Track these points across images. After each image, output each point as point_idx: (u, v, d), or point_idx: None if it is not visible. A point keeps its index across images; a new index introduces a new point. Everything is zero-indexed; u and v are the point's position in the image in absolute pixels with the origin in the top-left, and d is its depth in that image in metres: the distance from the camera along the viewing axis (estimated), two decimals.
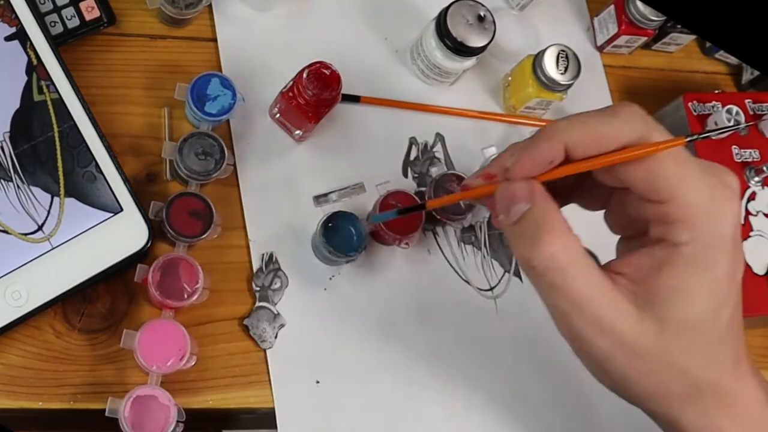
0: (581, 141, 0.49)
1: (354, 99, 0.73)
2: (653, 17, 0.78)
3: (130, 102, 0.69)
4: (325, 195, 0.70)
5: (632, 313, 0.50)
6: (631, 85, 0.83)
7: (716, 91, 0.80)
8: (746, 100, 0.78)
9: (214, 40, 0.72)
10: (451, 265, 0.72)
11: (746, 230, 0.74)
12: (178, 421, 0.60)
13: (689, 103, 0.77)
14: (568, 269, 0.49)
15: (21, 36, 0.63)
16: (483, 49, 0.72)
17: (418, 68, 0.75)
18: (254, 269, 0.67)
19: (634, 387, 0.52)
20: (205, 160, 0.65)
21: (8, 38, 0.63)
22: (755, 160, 0.76)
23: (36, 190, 0.61)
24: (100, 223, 0.62)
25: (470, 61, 0.73)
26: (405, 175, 0.74)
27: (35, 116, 0.62)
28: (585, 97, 0.79)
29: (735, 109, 0.75)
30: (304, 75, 0.66)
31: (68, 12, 0.67)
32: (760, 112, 0.77)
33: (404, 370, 0.69)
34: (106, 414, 0.60)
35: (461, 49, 0.71)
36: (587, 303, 0.49)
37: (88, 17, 0.68)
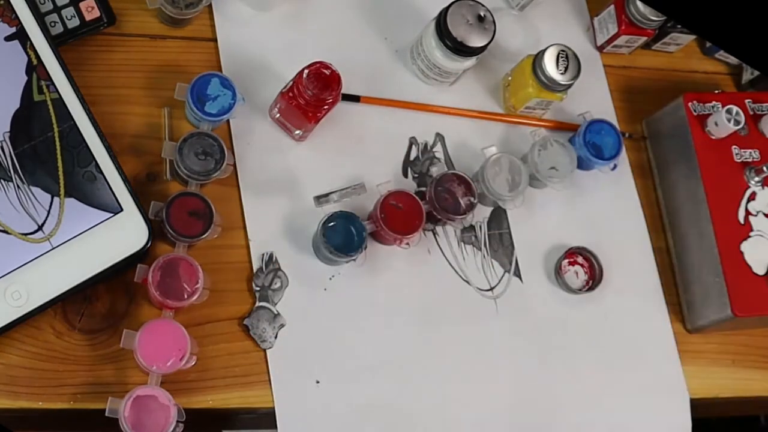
0: None
1: (354, 99, 0.73)
2: (653, 17, 0.78)
3: (130, 102, 0.69)
4: (326, 195, 0.70)
5: None
6: (631, 85, 0.83)
7: (716, 91, 0.80)
8: (746, 100, 0.78)
9: (214, 40, 0.72)
10: (451, 265, 0.72)
11: (746, 230, 0.74)
12: (178, 421, 0.60)
13: (689, 103, 0.77)
14: None
15: (21, 36, 0.63)
16: (483, 49, 0.72)
17: (418, 68, 0.75)
18: (254, 269, 0.67)
19: None
20: (205, 160, 0.65)
21: (8, 38, 0.63)
22: (755, 160, 0.76)
23: (36, 190, 0.61)
24: (100, 223, 0.62)
25: (470, 61, 0.73)
26: (405, 175, 0.74)
27: (35, 116, 0.62)
28: (585, 97, 0.79)
29: (735, 109, 0.75)
30: (304, 75, 0.66)
31: (68, 12, 0.67)
32: (760, 112, 0.77)
33: (404, 370, 0.69)
34: (106, 414, 0.60)
35: (461, 49, 0.71)
36: None
37: (88, 17, 0.68)
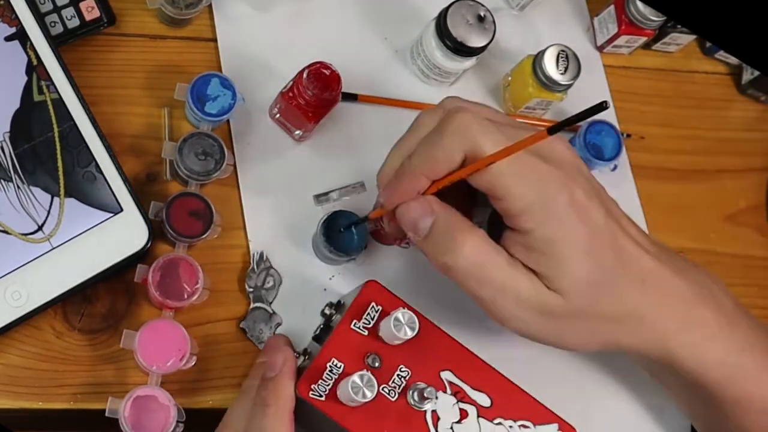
0: (432, 169, 0.56)
1: (352, 97, 0.73)
2: (653, 17, 0.78)
3: (130, 102, 0.69)
4: (326, 194, 0.70)
5: (542, 285, 0.57)
6: (631, 85, 0.83)
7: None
8: None
9: (214, 40, 0.72)
10: None
11: None
12: (178, 421, 0.60)
13: None
14: (485, 262, 0.56)
15: (21, 36, 0.63)
16: (483, 49, 0.72)
17: (418, 68, 0.75)
18: (247, 271, 0.67)
19: (570, 340, 0.60)
20: (205, 160, 0.65)
21: (8, 38, 0.63)
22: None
23: (36, 190, 0.61)
24: (100, 223, 0.62)
25: (470, 61, 0.73)
26: None
27: (35, 116, 0.62)
28: (585, 97, 0.78)
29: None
30: (304, 75, 0.66)
31: (68, 12, 0.67)
32: None
33: None
34: (106, 414, 0.60)
35: (461, 49, 0.71)
36: (508, 286, 0.56)
37: (88, 17, 0.68)
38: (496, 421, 0.60)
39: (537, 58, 0.74)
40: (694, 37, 0.83)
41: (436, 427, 0.59)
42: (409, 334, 0.57)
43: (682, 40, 0.83)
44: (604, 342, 0.60)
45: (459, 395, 0.60)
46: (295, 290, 0.68)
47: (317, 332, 0.62)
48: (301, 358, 0.61)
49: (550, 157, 0.57)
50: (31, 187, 0.61)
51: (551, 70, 0.73)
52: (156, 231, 0.63)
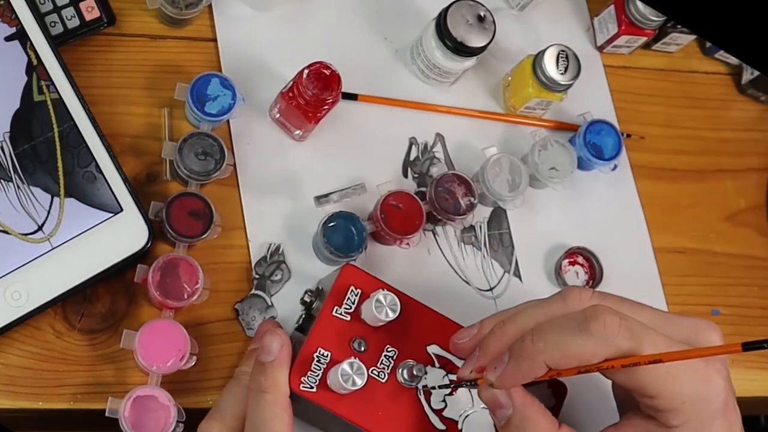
0: (561, 362, 0.52)
1: (351, 97, 0.73)
2: (653, 17, 0.78)
3: (130, 102, 0.69)
4: (326, 195, 0.70)
5: None
6: (631, 85, 0.83)
7: None
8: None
9: (214, 40, 0.72)
10: (451, 266, 0.72)
11: None
12: (178, 421, 0.60)
13: None
14: None
15: (21, 36, 0.63)
16: (483, 49, 0.72)
17: (418, 68, 0.75)
18: (257, 259, 0.67)
19: None
20: (205, 160, 0.65)
21: (8, 38, 0.63)
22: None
23: (36, 190, 0.61)
24: (100, 223, 0.62)
25: (470, 61, 0.73)
26: (405, 175, 0.74)
27: (35, 116, 0.62)
28: (585, 97, 0.79)
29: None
30: (304, 75, 0.66)
31: (68, 12, 0.67)
32: None
33: None
34: (106, 414, 0.60)
35: (461, 49, 0.71)
36: None
37: (88, 17, 0.68)
38: None
39: (537, 58, 0.74)
40: (694, 37, 0.83)
41: (428, 402, 0.59)
42: (391, 315, 0.58)
43: (682, 40, 0.83)
44: None
45: (448, 367, 0.60)
46: (295, 290, 0.68)
47: (299, 322, 0.62)
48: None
49: (696, 342, 0.54)
50: (31, 187, 0.61)
51: (551, 70, 0.73)
52: (156, 231, 0.63)
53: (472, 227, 0.74)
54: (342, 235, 0.67)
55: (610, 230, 0.77)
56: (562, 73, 0.73)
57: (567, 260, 0.75)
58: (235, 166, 0.69)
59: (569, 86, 0.74)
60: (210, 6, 0.72)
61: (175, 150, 0.65)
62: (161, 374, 0.61)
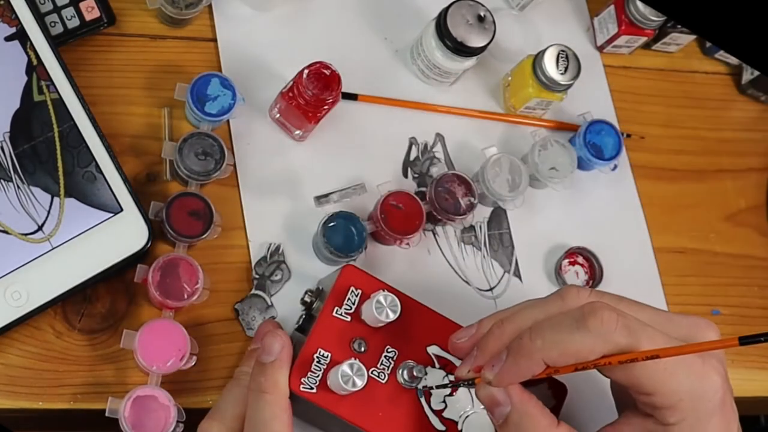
0: (559, 359, 0.51)
1: (351, 97, 0.73)
2: (653, 17, 0.78)
3: (130, 102, 0.69)
4: (326, 195, 0.70)
5: None
6: (631, 85, 0.83)
7: None
8: None
9: (214, 40, 0.72)
10: (451, 266, 0.72)
11: None
12: (178, 421, 0.60)
13: None
14: None
15: (21, 36, 0.63)
16: (483, 49, 0.72)
17: (418, 68, 0.75)
18: (258, 258, 0.67)
19: None
20: (205, 160, 0.65)
21: (8, 38, 0.63)
22: None
23: (36, 190, 0.61)
24: (100, 223, 0.62)
25: (470, 61, 0.73)
26: (405, 175, 0.74)
27: (35, 116, 0.62)
28: (585, 97, 0.79)
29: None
30: (304, 75, 0.66)
31: (68, 12, 0.67)
32: None
33: None
34: (106, 414, 0.60)
35: (461, 49, 0.71)
36: None
37: (88, 17, 0.68)
38: None
39: (537, 58, 0.74)
40: (694, 37, 0.83)
41: (429, 402, 0.59)
42: (392, 316, 0.58)
43: (682, 40, 0.83)
44: None
45: (448, 368, 0.60)
46: (295, 290, 0.68)
47: (300, 323, 0.62)
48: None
49: (694, 339, 0.54)
50: (31, 187, 0.61)
51: (551, 70, 0.73)
52: (156, 231, 0.63)
53: (472, 227, 0.74)
54: (342, 235, 0.67)
55: (610, 230, 0.77)
56: (562, 73, 0.73)
57: (567, 260, 0.75)
58: (235, 166, 0.69)
59: (569, 86, 0.74)
60: (210, 6, 0.72)
61: (175, 150, 0.65)
62: (161, 374, 0.61)
